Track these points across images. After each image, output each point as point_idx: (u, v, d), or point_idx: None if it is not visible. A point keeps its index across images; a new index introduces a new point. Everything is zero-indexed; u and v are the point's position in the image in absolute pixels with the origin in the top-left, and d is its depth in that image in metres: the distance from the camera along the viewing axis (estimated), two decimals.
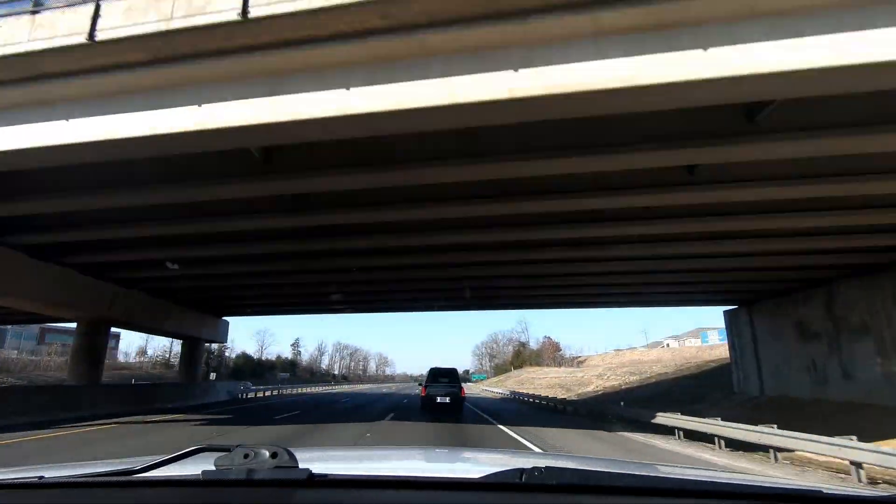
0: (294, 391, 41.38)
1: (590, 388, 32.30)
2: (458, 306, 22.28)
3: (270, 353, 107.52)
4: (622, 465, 1.86)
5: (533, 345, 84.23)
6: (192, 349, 22.54)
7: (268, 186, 8.58)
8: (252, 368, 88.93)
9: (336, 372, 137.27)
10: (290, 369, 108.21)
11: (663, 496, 1.06)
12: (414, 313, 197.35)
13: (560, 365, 59.82)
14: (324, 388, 61.05)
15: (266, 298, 20.25)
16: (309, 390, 46.15)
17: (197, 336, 21.84)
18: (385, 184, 8.49)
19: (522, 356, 79.79)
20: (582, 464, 1.70)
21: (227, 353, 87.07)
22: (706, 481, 1.28)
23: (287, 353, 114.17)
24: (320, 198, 9.55)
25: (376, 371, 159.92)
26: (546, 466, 1.06)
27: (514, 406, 23.78)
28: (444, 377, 17.80)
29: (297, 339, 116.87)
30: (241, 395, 28.15)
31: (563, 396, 27.64)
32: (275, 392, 35.62)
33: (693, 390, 22.13)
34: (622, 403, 15.57)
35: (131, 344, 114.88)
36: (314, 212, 9.82)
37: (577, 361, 61.18)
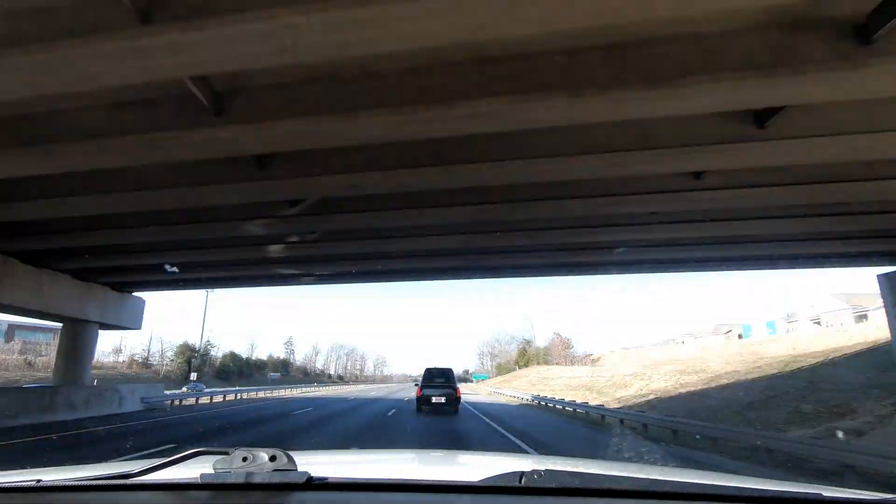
0: (265, 395, 33.92)
1: (630, 392, 24.78)
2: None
3: (262, 353, 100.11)
4: (622, 467, 1.82)
5: (540, 343, 76.75)
6: (73, 336, 15.04)
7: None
8: (240, 368, 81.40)
9: (332, 372, 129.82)
10: (282, 369, 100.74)
11: (663, 499, 1.02)
12: (415, 311, 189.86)
13: (572, 363, 52.46)
14: (308, 389, 54.11)
15: (190, 261, 12.85)
16: (285, 393, 38.75)
17: (79, 317, 14.38)
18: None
19: (528, 354, 72.44)
20: (581, 466, 1.66)
21: (213, 352, 79.62)
22: (706, 484, 1.19)
23: (280, 353, 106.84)
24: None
25: (374, 371, 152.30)
26: (545, 469, 1.05)
27: (554, 422, 16.12)
28: (439, 377, 17.18)
29: (290, 338, 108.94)
30: (174, 402, 20.63)
31: (595, 401, 20.33)
32: (234, 396, 28.12)
33: (813, 396, 14.74)
34: (841, 435, 8.02)
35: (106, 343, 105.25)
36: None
37: (589, 359, 53.78)
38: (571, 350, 58.55)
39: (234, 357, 79.64)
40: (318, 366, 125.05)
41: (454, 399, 16.39)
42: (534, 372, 51.56)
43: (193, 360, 69.92)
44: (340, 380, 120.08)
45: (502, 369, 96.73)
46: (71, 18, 3.71)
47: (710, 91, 4.36)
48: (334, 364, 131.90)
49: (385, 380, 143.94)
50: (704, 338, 70.07)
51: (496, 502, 1.03)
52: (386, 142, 5.91)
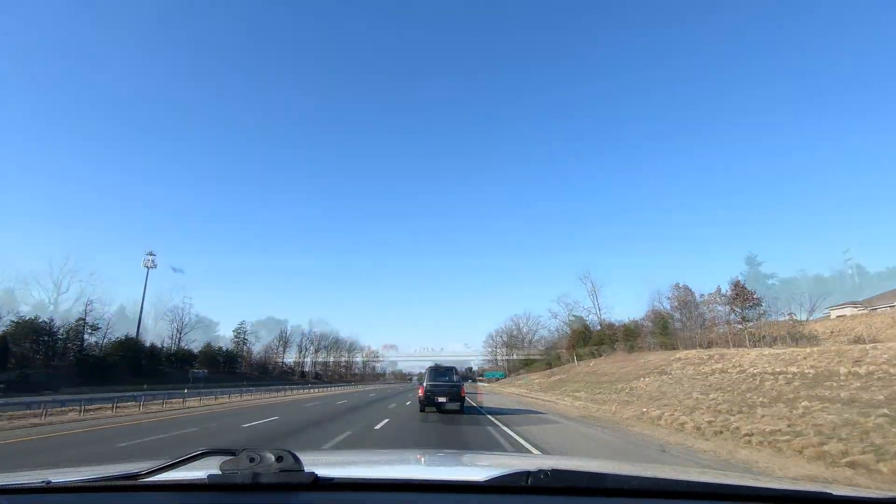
0: None
1: None
2: None
3: (195, 341, 69.58)
4: (629, 466, 1.73)
5: (615, 316, 46.97)
6: None
7: None
8: (136, 363, 51.01)
9: (307, 369, 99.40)
10: (227, 365, 70.60)
11: (671, 498, 0.99)
12: (411, 303, 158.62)
13: (756, 340, 22.92)
14: (236, 398, 29.69)
15: None
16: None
17: None
18: None
19: (596, 336, 42.96)
20: (587, 466, 1.64)
21: (91, 336, 49.20)
22: (715, 483, 1.15)
23: (225, 342, 76.51)
24: None
25: (363, 368, 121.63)
26: (552, 469, 1.02)
27: None
28: (443, 375, 15.40)
29: (243, 323, 78.45)
30: None
31: None
32: None
33: None
34: None
35: None
36: None
37: (802, 328, 23.77)
38: (760, 309, 26.69)
39: (123, 344, 49.46)
40: (289, 361, 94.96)
41: (459, 398, 14.89)
42: (676, 367, 22.13)
43: (17, 345, 39.85)
44: (318, 380, 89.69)
45: (535, 364, 66.60)
46: None
47: None
48: (311, 358, 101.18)
49: (377, 379, 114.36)
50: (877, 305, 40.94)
51: (502, 501, 0.99)
52: None
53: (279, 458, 0.96)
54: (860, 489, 1.12)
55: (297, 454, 1.00)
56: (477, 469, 1.66)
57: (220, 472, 0.95)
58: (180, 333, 65.35)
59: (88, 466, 1.28)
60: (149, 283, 54.94)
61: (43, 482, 1.04)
